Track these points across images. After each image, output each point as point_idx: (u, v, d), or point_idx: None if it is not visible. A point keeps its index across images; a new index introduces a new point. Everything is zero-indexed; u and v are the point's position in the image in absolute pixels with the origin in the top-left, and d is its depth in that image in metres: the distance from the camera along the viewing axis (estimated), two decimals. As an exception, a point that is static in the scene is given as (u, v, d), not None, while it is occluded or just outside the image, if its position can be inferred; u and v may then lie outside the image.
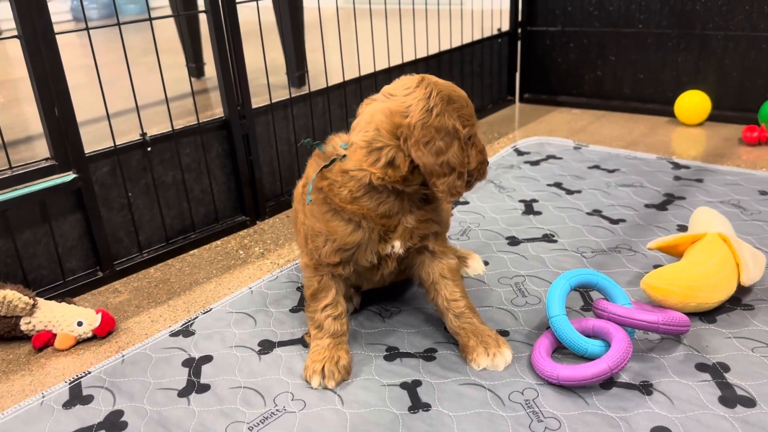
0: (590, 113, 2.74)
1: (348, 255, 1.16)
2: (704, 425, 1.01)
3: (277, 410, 1.11)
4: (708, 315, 1.28)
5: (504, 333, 1.27)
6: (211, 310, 1.43)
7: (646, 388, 1.10)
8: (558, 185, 1.97)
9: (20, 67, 4.66)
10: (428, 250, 1.21)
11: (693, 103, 2.44)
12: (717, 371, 1.13)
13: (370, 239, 1.14)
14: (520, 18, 2.87)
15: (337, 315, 1.21)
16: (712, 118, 2.49)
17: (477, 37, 2.73)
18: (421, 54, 2.44)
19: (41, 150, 1.46)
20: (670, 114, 2.57)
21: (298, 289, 1.49)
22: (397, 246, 1.16)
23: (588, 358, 1.15)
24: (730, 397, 1.06)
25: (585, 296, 1.38)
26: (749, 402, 1.05)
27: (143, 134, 1.61)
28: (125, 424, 1.10)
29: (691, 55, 2.51)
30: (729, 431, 1.00)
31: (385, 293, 1.43)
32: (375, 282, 1.29)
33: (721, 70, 2.46)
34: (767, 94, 2.38)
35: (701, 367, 1.14)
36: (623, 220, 1.71)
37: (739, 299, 1.32)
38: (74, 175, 1.49)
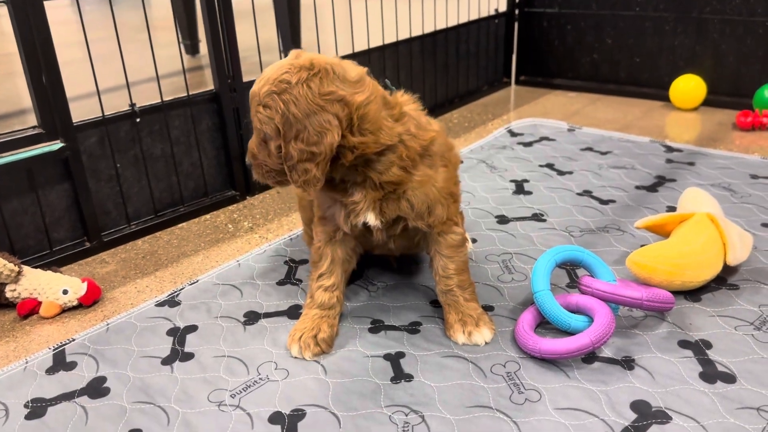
0: (586, 96, 2.73)
1: (329, 215, 1.17)
2: (684, 400, 1.02)
3: (260, 378, 1.11)
4: (693, 294, 1.28)
5: (489, 308, 1.27)
6: (197, 281, 1.42)
7: (627, 363, 1.10)
8: (550, 166, 1.96)
9: (13, 41, 4.63)
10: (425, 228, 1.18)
11: (688, 87, 2.43)
12: (699, 348, 1.13)
13: (335, 204, 1.15)
14: (517, -1, 2.85)
15: (328, 286, 1.21)
16: (706, 102, 2.48)
17: (474, 16, 2.71)
18: (417, 32, 2.42)
19: (32, 124, 1.46)
20: (666, 98, 2.56)
21: (286, 262, 1.49)
22: (371, 219, 1.12)
23: (571, 333, 1.15)
24: (711, 373, 1.07)
25: (571, 273, 1.38)
26: (729, 378, 1.06)
27: (132, 105, 1.60)
28: (107, 390, 1.11)
29: (687, 39, 2.50)
30: (708, 406, 1.00)
31: (372, 267, 1.43)
32: (381, 249, 1.28)
33: (717, 54, 2.45)
34: (762, 80, 2.38)
35: (683, 343, 1.14)
36: (613, 201, 1.71)
37: (725, 279, 1.32)
38: (61, 144, 1.48)
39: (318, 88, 0.99)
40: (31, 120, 1.50)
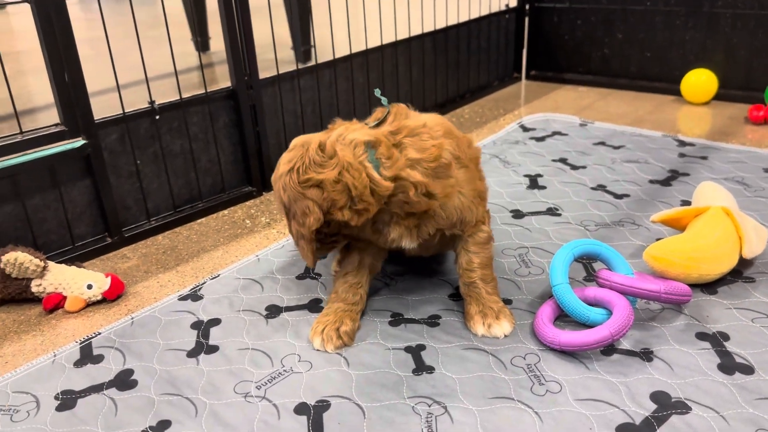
0: (596, 91, 2.74)
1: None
2: (703, 390, 1.03)
3: (284, 370, 1.13)
4: (709, 286, 1.30)
5: (507, 302, 1.29)
6: (218, 275, 1.45)
7: (646, 355, 1.12)
8: (563, 161, 1.98)
9: (24, 39, 4.66)
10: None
11: (700, 81, 2.44)
12: (717, 340, 1.15)
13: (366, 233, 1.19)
14: (527, -6, 2.85)
15: (353, 283, 1.24)
16: (718, 96, 2.49)
17: (484, 12, 2.72)
18: (428, 28, 2.43)
19: (45, 121, 1.47)
20: (677, 93, 2.57)
21: (305, 257, 1.51)
22: (407, 243, 1.18)
23: (589, 325, 1.17)
24: (729, 365, 1.08)
25: (587, 267, 1.40)
26: (748, 369, 1.07)
27: (151, 102, 1.62)
28: (135, 383, 1.13)
29: (698, 33, 2.50)
30: (727, 396, 1.02)
31: (390, 262, 1.45)
32: (412, 255, 1.32)
33: (729, 48, 2.46)
34: (774, 74, 2.38)
35: (701, 336, 1.16)
36: (627, 195, 1.72)
37: (741, 272, 1.34)
38: (83, 141, 1.50)
39: (297, 177, 1.08)
40: (42, 118, 1.52)
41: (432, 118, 1.17)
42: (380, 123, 1.14)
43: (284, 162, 1.11)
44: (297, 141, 1.13)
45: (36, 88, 3.14)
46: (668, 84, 2.62)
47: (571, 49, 2.83)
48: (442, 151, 1.11)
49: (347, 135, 1.09)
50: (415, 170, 1.09)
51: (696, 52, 2.53)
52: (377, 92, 1.18)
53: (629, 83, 2.72)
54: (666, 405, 1.01)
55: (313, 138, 1.11)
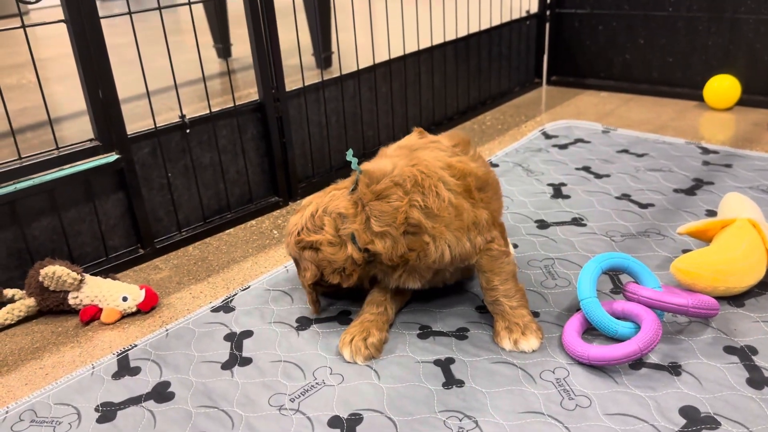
0: (618, 96, 2.74)
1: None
2: (732, 405, 1.04)
3: (316, 383, 1.16)
4: (736, 299, 1.30)
5: (535, 314, 1.31)
6: (249, 287, 1.48)
7: (674, 369, 1.13)
8: (587, 169, 1.99)
9: (47, 47, 4.74)
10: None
11: (723, 87, 2.43)
12: (745, 354, 1.15)
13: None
14: (548, 0, 2.86)
15: (380, 300, 1.28)
16: (741, 102, 2.48)
17: (506, 19, 2.73)
18: (450, 36, 2.45)
19: (71, 132, 1.50)
20: (699, 98, 2.56)
21: (332, 268, 1.54)
22: (412, 285, 1.26)
23: (618, 339, 1.18)
24: (758, 379, 1.09)
25: (614, 279, 1.41)
26: (776, 384, 1.08)
27: (182, 116, 1.66)
28: (172, 395, 1.16)
29: (721, 38, 2.49)
30: (757, 411, 1.03)
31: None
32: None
33: (752, 54, 2.45)
34: (799, 79, 2.37)
35: (729, 349, 1.17)
36: (652, 205, 1.73)
37: (767, 284, 1.34)
38: (117, 156, 1.54)
39: (295, 238, 1.26)
40: (68, 128, 1.56)
41: (406, 160, 1.23)
42: (355, 188, 1.23)
43: (291, 224, 1.29)
44: (304, 201, 1.31)
45: (63, 96, 3.20)
46: (691, 89, 2.61)
47: (593, 55, 2.84)
48: (408, 213, 1.16)
49: (329, 205, 1.23)
50: (381, 240, 1.17)
51: (719, 57, 2.52)
52: (349, 155, 1.25)
53: (651, 89, 2.71)
54: (695, 420, 1.02)
55: (313, 200, 1.27)
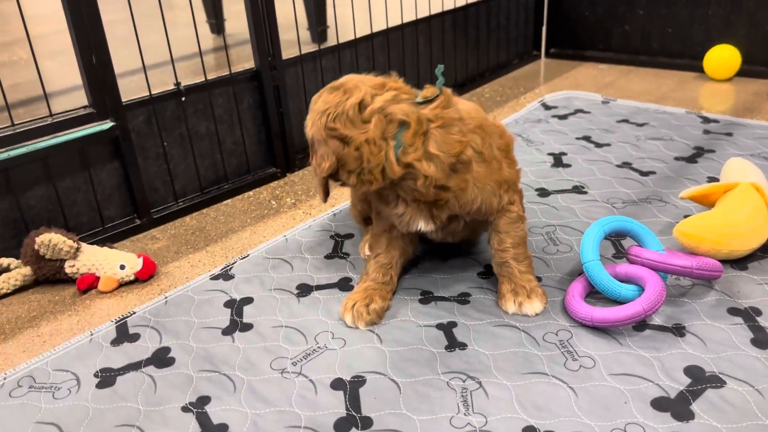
0: (617, 68, 2.72)
1: (384, 215, 1.23)
2: (736, 365, 1.04)
3: (318, 347, 1.15)
4: (739, 262, 1.30)
5: (537, 279, 1.29)
6: (248, 255, 1.46)
7: (678, 331, 1.12)
8: (587, 138, 1.97)
9: (38, 24, 4.67)
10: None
11: (723, 58, 2.41)
12: (749, 315, 1.15)
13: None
14: (547, -29, 2.82)
15: (384, 263, 1.26)
16: (741, 73, 2.46)
17: (503, -10, 2.69)
18: (448, 6, 2.42)
19: (63, 106, 1.47)
20: (699, 69, 2.54)
21: (332, 237, 1.52)
22: (423, 225, 1.18)
23: (621, 302, 1.18)
24: (762, 339, 1.09)
25: (616, 244, 1.40)
26: (781, 344, 1.07)
27: (177, 84, 1.63)
28: (173, 360, 1.15)
29: (721, 8, 2.47)
30: (761, 370, 1.02)
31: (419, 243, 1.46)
32: (439, 240, 1.32)
33: (752, 24, 2.42)
34: (800, 49, 2.35)
35: (733, 311, 1.16)
36: (653, 173, 1.71)
37: (771, 248, 1.34)
38: (112, 124, 1.52)
39: (326, 122, 1.09)
40: (59, 102, 1.53)
41: (469, 109, 1.17)
42: (427, 102, 1.12)
43: (323, 100, 1.12)
44: (346, 84, 1.12)
45: (56, 71, 3.15)
46: (690, 60, 2.59)
47: (592, 26, 2.80)
48: (465, 148, 1.11)
49: (389, 107, 1.08)
50: (430, 163, 1.09)
51: (719, 27, 2.50)
52: (439, 70, 1.16)
53: (651, 60, 2.69)
54: (700, 379, 1.01)
55: (358, 88, 1.10)
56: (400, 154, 1.08)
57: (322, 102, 1.11)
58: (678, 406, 0.97)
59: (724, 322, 1.14)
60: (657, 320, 1.15)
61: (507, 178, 1.20)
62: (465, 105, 1.17)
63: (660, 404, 0.97)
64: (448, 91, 1.14)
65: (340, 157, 1.10)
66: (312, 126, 1.12)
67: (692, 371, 1.03)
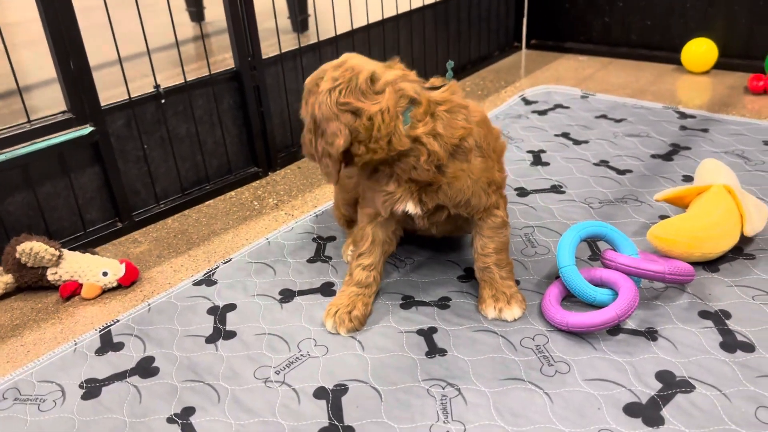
0: (597, 60, 2.74)
1: (369, 199, 1.23)
2: (706, 369, 1.07)
3: (301, 355, 1.17)
4: (711, 264, 1.33)
5: (515, 282, 1.32)
6: (231, 260, 1.47)
7: (651, 335, 1.16)
8: (565, 135, 1.99)
9: (10, 11, 4.58)
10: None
11: (700, 51, 2.44)
12: (719, 318, 1.18)
13: (375, 190, 1.20)
14: (527, -38, 2.82)
15: (367, 265, 1.26)
16: (718, 65, 2.49)
17: (484, -18, 2.69)
18: (429, 0, 2.41)
19: (41, 101, 1.45)
20: (677, 62, 2.57)
21: (314, 240, 1.54)
22: (411, 207, 1.18)
23: (596, 306, 1.21)
24: (730, 343, 1.12)
25: (593, 246, 1.43)
26: (749, 347, 1.11)
27: (156, 86, 1.62)
28: (157, 370, 1.16)
29: (699, 1, 2.49)
30: (729, 374, 1.06)
31: (400, 244, 1.48)
32: (424, 232, 1.34)
33: (730, 16, 2.45)
34: (775, 42, 2.38)
35: (704, 314, 1.20)
36: (630, 171, 1.74)
37: (741, 249, 1.37)
38: (91, 128, 1.51)
39: (336, 98, 1.09)
40: (37, 96, 1.50)
41: (475, 105, 1.20)
42: (433, 89, 1.15)
43: (328, 78, 1.11)
44: (349, 61, 1.13)
45: (31, 62, 3.11)
46: (669, 53, 2.61)
47: (572, 18, 2.82)
48: (468, 135, 1.13)
49: (401, 83, 1.10)
50: (439, 141, 1.11)
51: (697, 19, 2.52)
52: (449, 65, 1.17)
53: (630, 52, 2.71)
54: (671, 384, 1.05)
55: (365, 65, 1.12)
56: (407, 130, 1.10)
57: (329, 80, 1.10)
58: (649, 412, 1.00)
59: (695, 325, 1.17)
60: (631, 324, 1.18)
61: (497, 180, 1.22)
62: (470, 102, 1.21)
63: (632, 410, 1.01)
64: (456, 83, 1.17)
65: (353, 129, 1.09)
66: (320, 106, 1.10)
67: (663, 376, 1.07)
